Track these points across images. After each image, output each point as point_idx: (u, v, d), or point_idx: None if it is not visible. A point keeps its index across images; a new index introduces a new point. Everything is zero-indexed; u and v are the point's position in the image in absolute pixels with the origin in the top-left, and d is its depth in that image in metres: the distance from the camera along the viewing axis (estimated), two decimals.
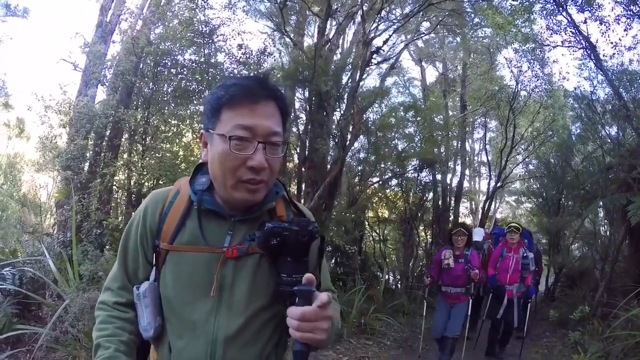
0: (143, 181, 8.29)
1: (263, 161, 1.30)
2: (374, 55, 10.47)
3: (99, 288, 5.20)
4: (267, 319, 1.40)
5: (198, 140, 10.00)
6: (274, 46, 11.13)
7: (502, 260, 7.08)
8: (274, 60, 11.49)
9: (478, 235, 8.15)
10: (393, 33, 11.61)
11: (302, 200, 9.56)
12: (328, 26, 11.01)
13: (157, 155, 8.64)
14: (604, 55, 9.64)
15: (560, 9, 9.57)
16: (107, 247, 7.20)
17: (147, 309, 1.39)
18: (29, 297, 5.42)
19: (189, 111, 9.99)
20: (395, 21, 11.81)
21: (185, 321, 1.36)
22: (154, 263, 1.46)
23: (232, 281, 1.36)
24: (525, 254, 6.95)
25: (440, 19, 11.85)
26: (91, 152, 8.14)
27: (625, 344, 6.13)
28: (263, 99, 1.34)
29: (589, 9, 9.31)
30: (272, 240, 1.30)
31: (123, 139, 8.75)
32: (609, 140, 10.06)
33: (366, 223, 13.66)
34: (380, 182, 13.93)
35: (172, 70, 9.70)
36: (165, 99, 9.60)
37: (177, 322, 1.38)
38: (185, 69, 9.82)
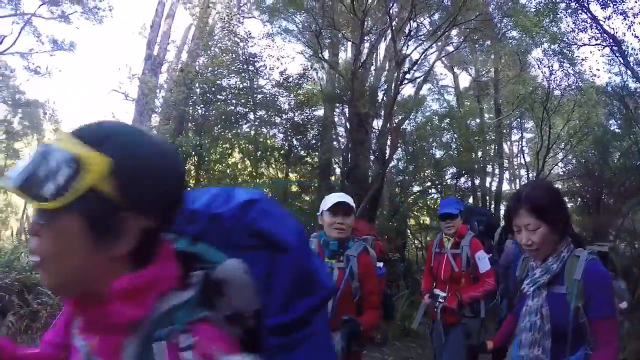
0: None
1: None
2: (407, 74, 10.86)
3: None
4: None
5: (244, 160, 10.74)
6: (312, 68, 11.73)
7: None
8: (313, 82, 12.09)
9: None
10: (424, 52, 11.88)
11: None
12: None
13: (209, 176, 9.37)
14: (632, 49, 9.71)
15: (583, 8, 9.65)
16: None
17: None
18: None
19: (234, 132, 10.68)
20: (423, 38, 12.17)
21: None
22: None
23: None
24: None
25: (468, 29, 12.06)
26: None
27: None
28: None
29: (612, 3, 9.31)
30: None
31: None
32: None
33: (408, 231, 13.98)
34: (420, 191, 14.28)
35: (218, 95, 10.44)
36: (214, 122, 10.32)
37: None
38: (230, 94, 10.54)
